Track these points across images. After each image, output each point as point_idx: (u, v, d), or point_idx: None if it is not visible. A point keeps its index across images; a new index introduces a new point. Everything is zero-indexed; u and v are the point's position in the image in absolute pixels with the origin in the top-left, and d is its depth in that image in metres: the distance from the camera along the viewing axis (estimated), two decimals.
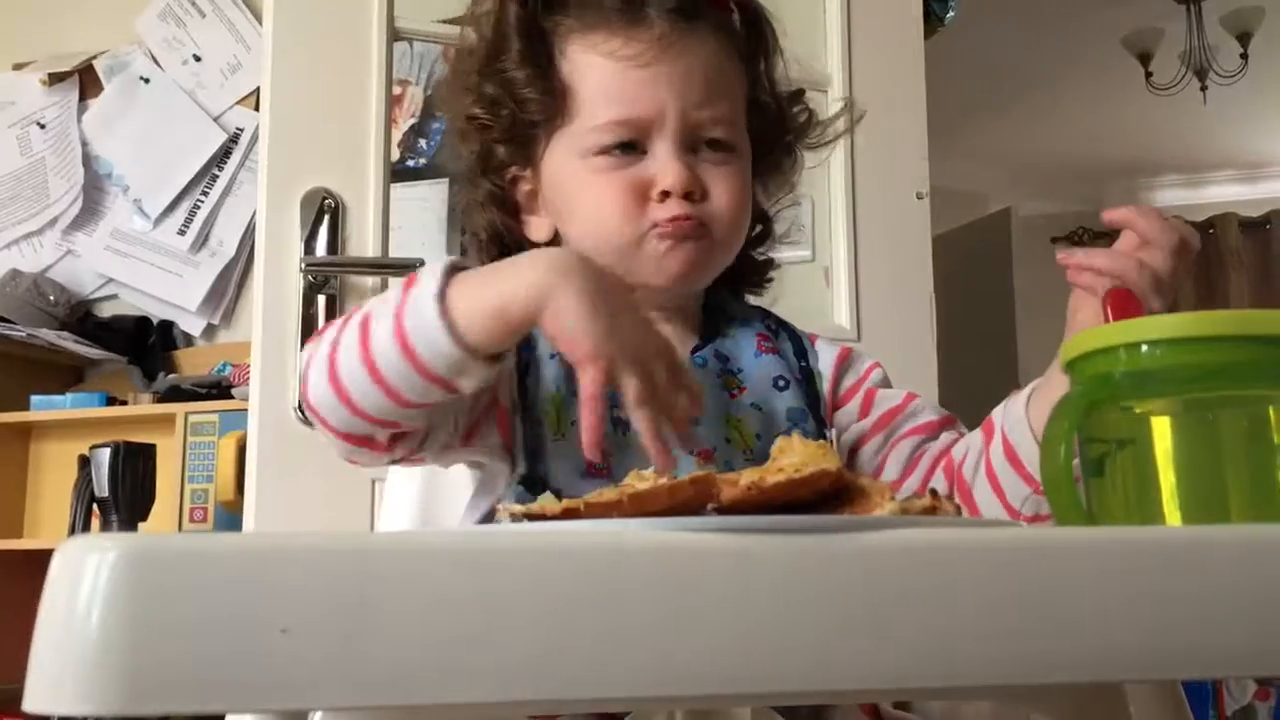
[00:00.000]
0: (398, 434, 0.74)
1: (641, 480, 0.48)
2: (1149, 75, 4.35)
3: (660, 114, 0.83)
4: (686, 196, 0.82)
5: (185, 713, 0.36)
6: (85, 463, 1.85)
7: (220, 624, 0.36)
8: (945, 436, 0.87)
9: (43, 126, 2.60)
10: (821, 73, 1.81)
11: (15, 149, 2.61)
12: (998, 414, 0.83)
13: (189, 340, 2.51)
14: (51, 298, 2.42)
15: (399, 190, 1.91)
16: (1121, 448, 0.54)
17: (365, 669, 0.36)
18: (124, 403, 2.22)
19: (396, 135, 2.55)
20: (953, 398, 1.54)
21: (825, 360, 0.90)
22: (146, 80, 2.58)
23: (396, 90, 2.45)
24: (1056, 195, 5.57)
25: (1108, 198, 5.62)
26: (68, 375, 2.45)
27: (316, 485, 1.54)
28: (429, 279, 0.67)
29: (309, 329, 1.58)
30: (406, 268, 1.66)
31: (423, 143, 2.65)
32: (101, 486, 1.81)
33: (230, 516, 1.96)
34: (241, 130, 2.54)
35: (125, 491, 1.82)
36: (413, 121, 2.64)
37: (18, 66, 2.66)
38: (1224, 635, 0.42)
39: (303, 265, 1.57)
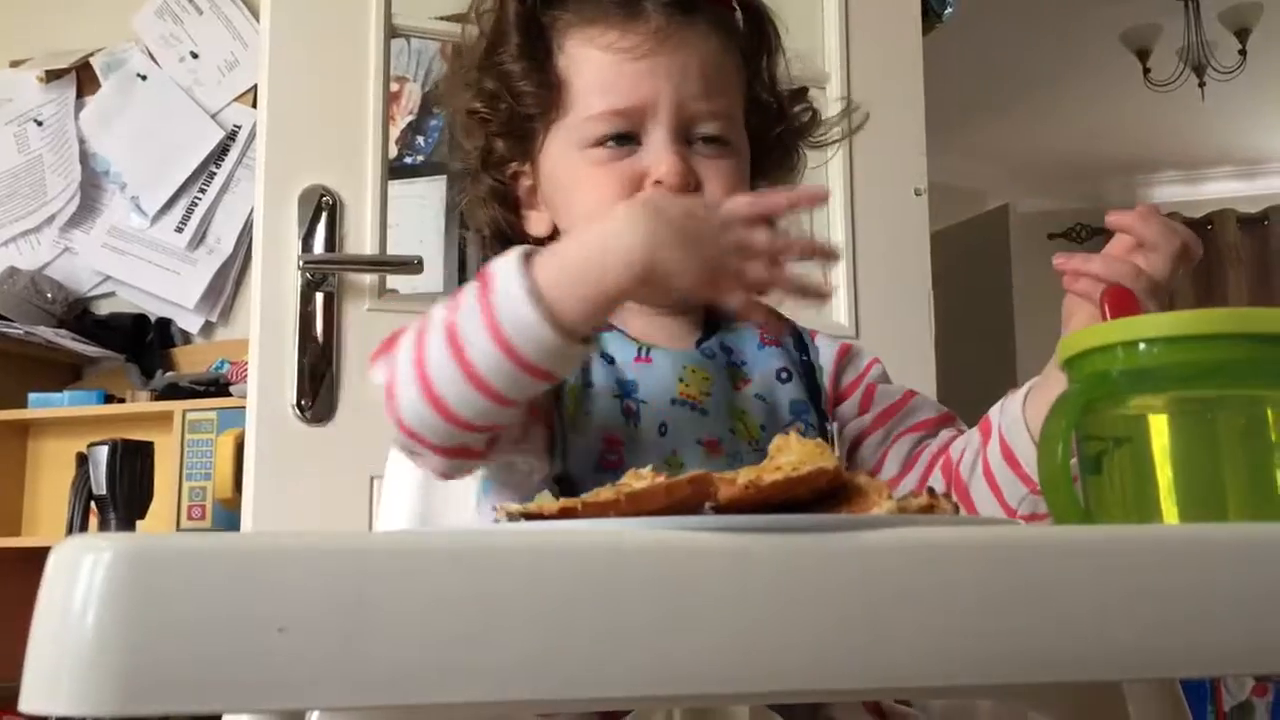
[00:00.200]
0: (493, 437, 0.73)
1: (639, 479, 0.48)
2: (1147, 72, 4.35)
3: (655, 104, 0.83)
4: (680, 188, 0.82)
5: (182, 713, 0.36)
6: (83, 460, 1.85)
7: (217, 623, 0.36)
8: (944, 434, 0.88)
9: (40, 124, 2.60)
10: (820, 70, 1.81)
11: (12, 146, 2.60)
12: (994, 413, 0.83)
13: (187, 338, 2.51)
14: (49, 295, 2.42)
15: (396, 187, 1.91)
16: (1119, 446, 0.54)
17: (363, 668, 0.36)
18: (122, 400, 2.22)
19: (394, 132, 2.55)
20: (951, 394, 1.54)
21: (826, 355, 0.90)
22: (144, 77, 2.58)
23: (394, 87, 2.44)
24: (1055, 192, 5.57)
25: (1106, 194, 5.62)
26: (65, 373, 2.44)
27: (315, 483, 1.54)
28: (510, 275, 0.66)
29: (307, 326, 1.58)
30: (404, 265, 1.66)
31: (420, 140, 2.65)
32: (99, 484, 1.81)
33: (228, 514, 1.96)
34: (239, 127, 2.54)
35: (123, 489, 1.82)
36: (410, 118, 2.64)
37: (15, 64, 2.65)
38: (1222, 633, 0.42)
39: (300, 262, 1.57)
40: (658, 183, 0.82)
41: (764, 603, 0.39)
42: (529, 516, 0.48)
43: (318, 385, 1.57)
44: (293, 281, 1.58)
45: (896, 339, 1.76)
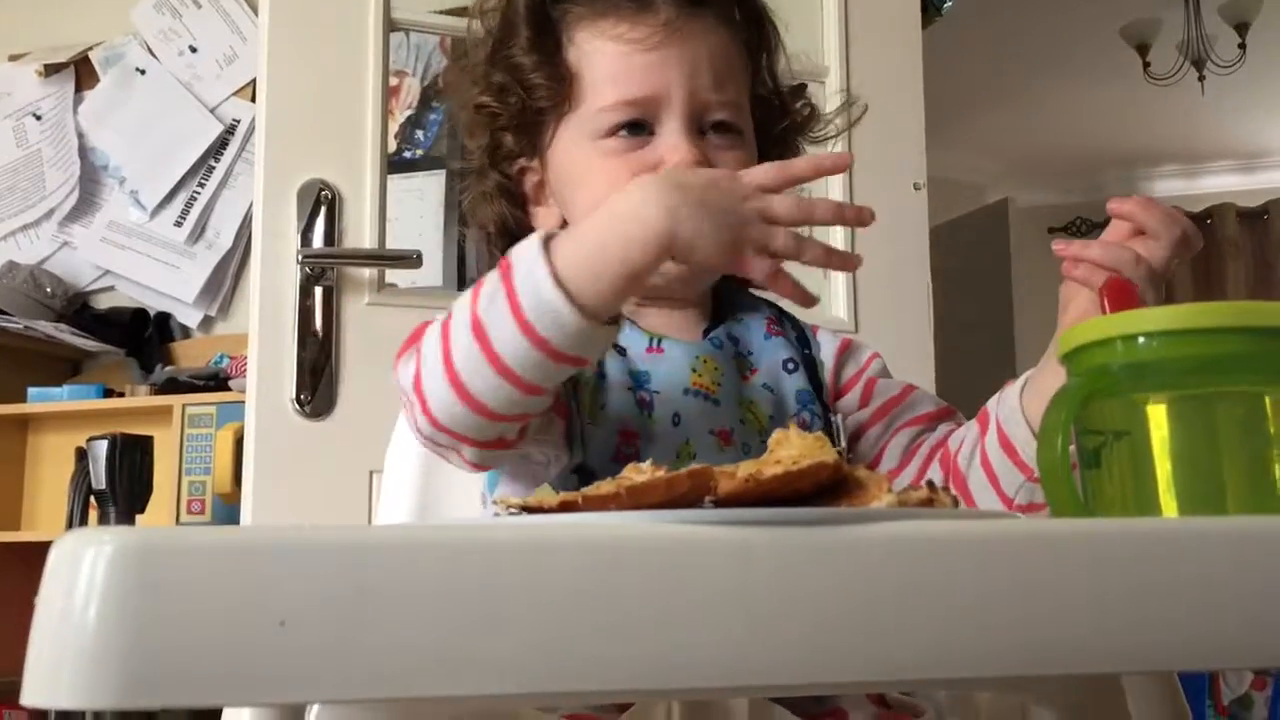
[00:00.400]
0: (525, 426, 0.73)
1: (639, 473, 0.48)
2: (1147, 65, 4.35)
3: (667, 94, 0.83)
4: None
5: (183, 706, 0.36)
6: (82, 455, 1.85)
7: (218, 617, 0.36)
8: (943, 427, 0.88)
9: (39, 118, 2.60)
10: (819, 63, 1.81)
11: (11, 140, 2.60)
12: (992, 404, 0.83)
13: (186, 332, 2.51)
14: (48, 289, 2.42)
15: (395, 182, 1.91)
16: (1118, 438, 0.54)
17: (364, 662, 0.36)
18: (121, 395, 2.22)
19: (393, 127, 2.55)
20: (950, 388, 1.54)
21: (827, 350, 0.91)
22: (142, 71, 2.58)
23: (393, 81, 2.44)
24: (1054, 186, 5.58)
25: (1106, 188, 5.62)
26: (65, 367, 2.44)
27: (314, 477, 1.54)
28: (532, 260, 0.65)
29: (306, 321, 1.58)
30: (403, 259, 1.66)
31: (419, 134, 2.65)
32: (99, 478, 1.81)
33: (228, 508, 1.96)
34: (238, 122, 2.54)
35: (123, 483, 1.82)
36: (409, 113, 2.64)
37: (13, 58, 2.65)
38: (1220, 627, 0.42)
39: (299, 257, 1.57)
40: None
41: (764, 596, 0.39)
42: (529, 510, 0.49)
43: (317, 380, 1.57)
44: (292, 276, 1.58)
45: (896, 333, 1.76)
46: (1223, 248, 5.46)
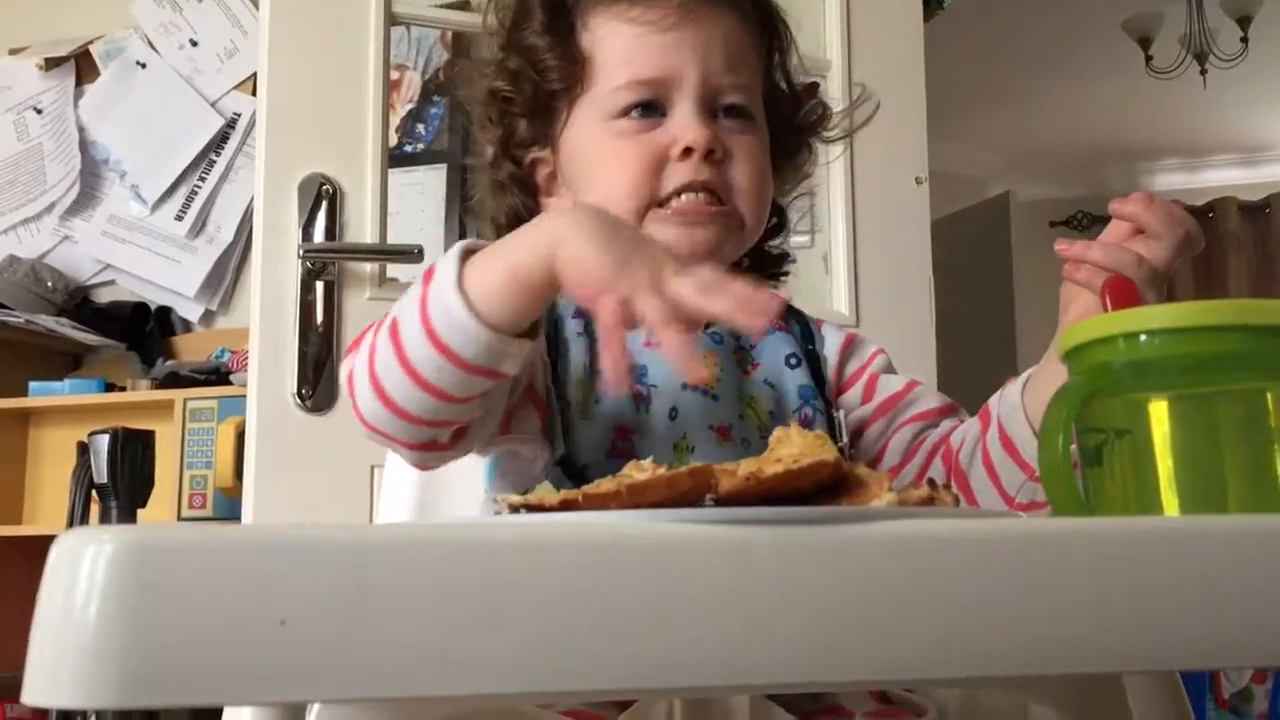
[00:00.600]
0: (459, 430, 0.73)
1: (640, 471, 0.48)
2: (1149, 59, 4.34)
3: (681, 75, 0.83)
4: (708, 156, 0.82)
5: (184, 705, 0.36)
6: (84, 449, 1.85)
7: (219, 616, 0.36)
8: (946, 424, 0.88)
9: (39, 112, 2.60)
10: (821, 58, 1.80)
11: (12, 134, 2.60)
12: (994, 402, 0.83)
13: (187, 326, 2.51)
14: (49, 284, 2.41)
15: (397, 176, 1.91)
16: (1119, 437, 0.54)
17: (364, 661, 0.36)
18: (122, 389, 2.22)
19: (394, 120, 2.55)
20: (952, 382, 1.54)
21: (830, 345, 0.91)
22: (143, 65, 2.58)
23: (394, 75, 2.44)
24: (1056, 179, 5.57)
25: (1107, 182, 5.61)
26: (66, 361, 2.44)
27: (315, 471, 1.54)
28: (446, 267, 0.65)
29: (307, 315, 1.58)
30: (404, 254, 1.66)
31: (421, 128, 2.64)
32: (100, 473, 1.81)
33: (229, 502, 1.96)
34: (239, 115, 2.53)
35: (124, 478, 1.82)
36: (410, 106, 2.63)
37: (14, 51, 2.65)
38: (1222, 626, 0.42)
39: (300, 251, 1.57)
40: (686, 151, 0.82)
41: (764, 595, 0.39)
42: (530, 508, 0.49)
43: (318, 374, 1.57)
44: (293, 270, 1.58)
45: (897, 327, 1.75)
46: (1224, 242, 5.45)
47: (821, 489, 0.49)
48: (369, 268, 1.61)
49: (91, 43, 2.59)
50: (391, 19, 1.66)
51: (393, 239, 1.66)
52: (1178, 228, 0.74)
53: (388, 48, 1.65)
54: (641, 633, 0.38)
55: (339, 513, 1.53)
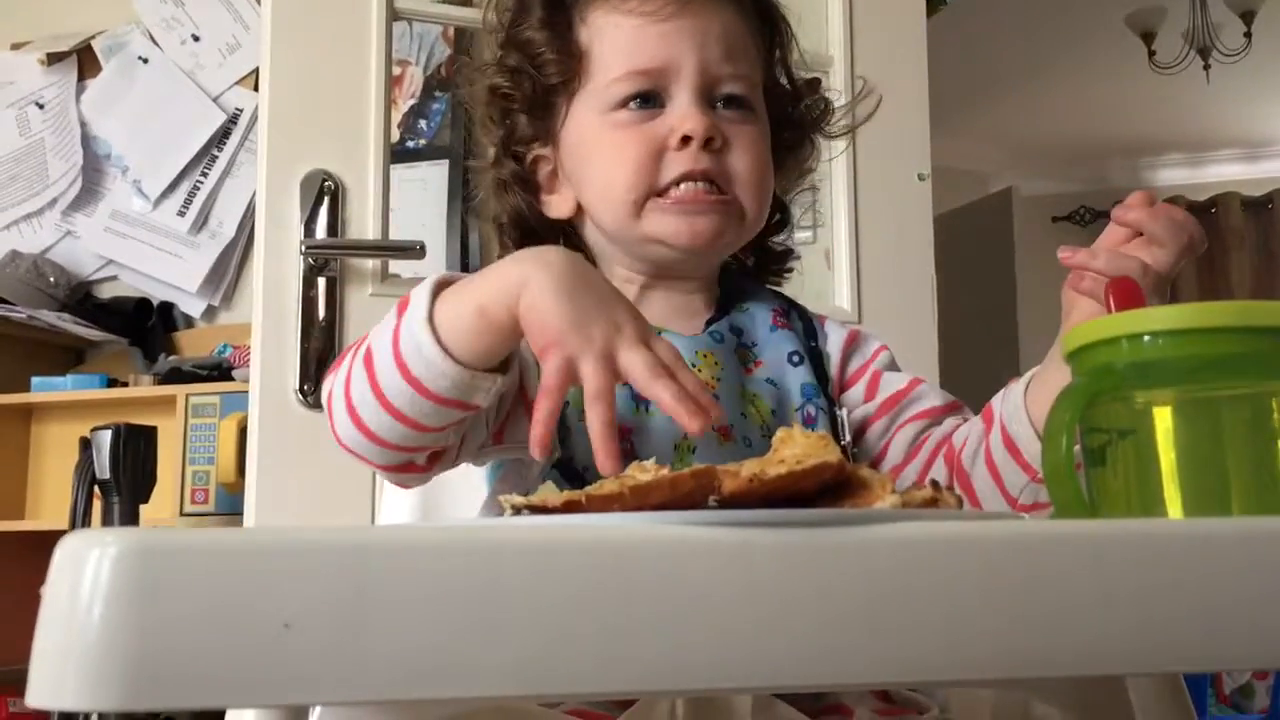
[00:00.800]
0: (435, 454, 0.73)
1: (643, 471, 0.48)
2: (1152, 54, 4.33)
3: (678, 65, 0.83)
4: (707, 145, 0.82)
5: (187, 708, 0.36)
6: (86, 445, 1.85)
7: (222, 619, 0.36)
8: (949, 422, 0.88)
9: (41, 107, 2.59)
10: (823, 53, 1.80)
11: (14, 129, 2.60)
12: (997, 402, 0.83)
13: (189, 321, 2.51)
14: (51, 279, 2.41)
15: (399, 171, 1.91)
16: (1123, 438, 0.54)
17: (368, 664, 0.36)
18: (125, 384, 2.22)
19: (396, 116, 2.54)
20: (954, 378, 1.54)
21: (834, 342, 0.90)
22: (145, 60, 2.57)
23: (396, 71, 2.43)
24: (1059, 174, 5.56)
25: (1110, 177, 5.60)
26: (68, 357, 2.44)
27: (318, 466, 1.54)
28: (418, 301, 0.66)
29: (309, 311, 1.58)
30: (406, 250, 1.66)
31: (423, 123, 2.64)
32: (103, 468, 1.81)
33: (231, 498, 1.96)
34: (241, 111, 2.53)
35: (126, 473, 1.82)
36: (412, 102, 2.63)
37: (16, 46, 2.64)
38: (1226, 628, 0.42)
39: (303, 247, 1.57)
40: (685, 140, 0.81)
41: (768, 597, 0.39)
42: (533, 509, 0.49)
43: (320, 370, 1.57)
44: (295, 266, 1.58)
45: (899, 323, 1.75)
46: (1227, 237, 5.45)
47: (824, 490, 0.49)
48: (371, 264, 1.61)
49: (94, 38, 2.59)
50: (394, 14, 1.66)
51: (395, 235, 1.66)
52: (1181, 233, 0.74)
53: (389, 43, 1.65)
54: (644, 635, 0.38)
55: (341, 508, 1.53)
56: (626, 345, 0.62)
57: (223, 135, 2.53)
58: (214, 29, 2.56)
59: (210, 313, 2.51)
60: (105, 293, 2.53)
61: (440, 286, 0.67)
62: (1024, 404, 0.80)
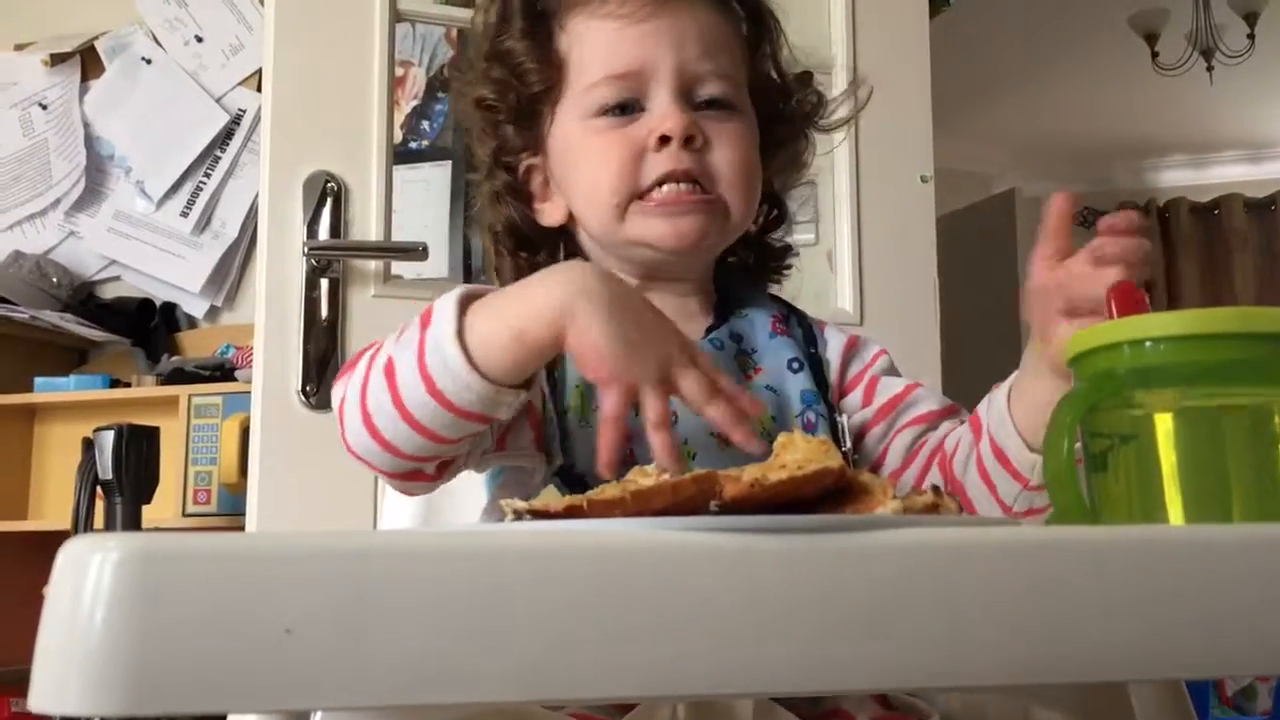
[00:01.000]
0: (444, 463, 0.74)
1: (645, 477, 0.48)
2: (1155, 55, 4.33)
3: (655, 67, 0.83)
4: (688, 144, 0.82)
5: (189, 713, 0.36)
6: (89, 445, 1.85)
7: (224, 624, 0.36)
8: (945, 426, 0.87)
9: (45, 107, 2.60)
10: (826, 54, 1.80)
11: (17, 130, 2.60)
12: (982, 409, 0.82)
13: (192, 322, 2.51)
14: (54, 279, 2.41)
15: (402, 172, 1.91)
16: (1124, 443, 0.54)
17: (369, 669, 0.36)
18: (127, 385, 2.22)
19: (399, 117, 2.54)
20: (957, 379, 1.54)
21: (833, 347, 0.90)
22: (148, 61, 2.57)
23: (399, 72, 2.44)
24: (1062, 176, 5.55)
25: (1113, 178, 5.60)
26: (71, 357, 2.44)
27: (320, 467, 1.54)
28: (445, 316, 0.66)
29: (312, 312, 1.58)
30: (409, 251, 1.66)
31: (425, 124, 2.64)
32: (105, 469, 1.81)
33: (234, 498, 1.96)
34: (244, 112, 2.53)
35: (129, 474, 1.82)
36: (415, 103, 2.63)
37: (19, 47, 2.64)
38: (1227, 635, 0.42)
39: (305, 248, 1.57)
40: (664, 139, 0.81)
41: (769, 602, 0.39)
42: (535, 514, 0.49)
43: (323, 371, 1.57)
44: (298, 267, 1.58)
45: (902, 326, 1.75)
46: (1230, 238, 5.45)
47: (826, 495, 0.49)
48: (373, 265, 1.61)
49: (97, 38, 2.59)
50: (396, 16, 1.66)
51: (397, 236, 1.66)
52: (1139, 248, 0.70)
53: (392, 44, 1.65)
54: (645, 640, 0.38)
55: (344, 509, 1.53)
56: (679, 368, 0.64)
57: (226, 136, 2.53)
58: (217, 30, 2.56)
59: (213, 313, 2.51)
60: (108, 293, 2.53)
61: (465, 300, 0.67)
62: (1008, 413, 0.79)
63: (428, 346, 0.66)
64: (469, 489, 0.88)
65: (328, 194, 1.60)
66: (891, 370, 0.91)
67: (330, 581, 0.37)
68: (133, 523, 1.82)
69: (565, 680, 0.38)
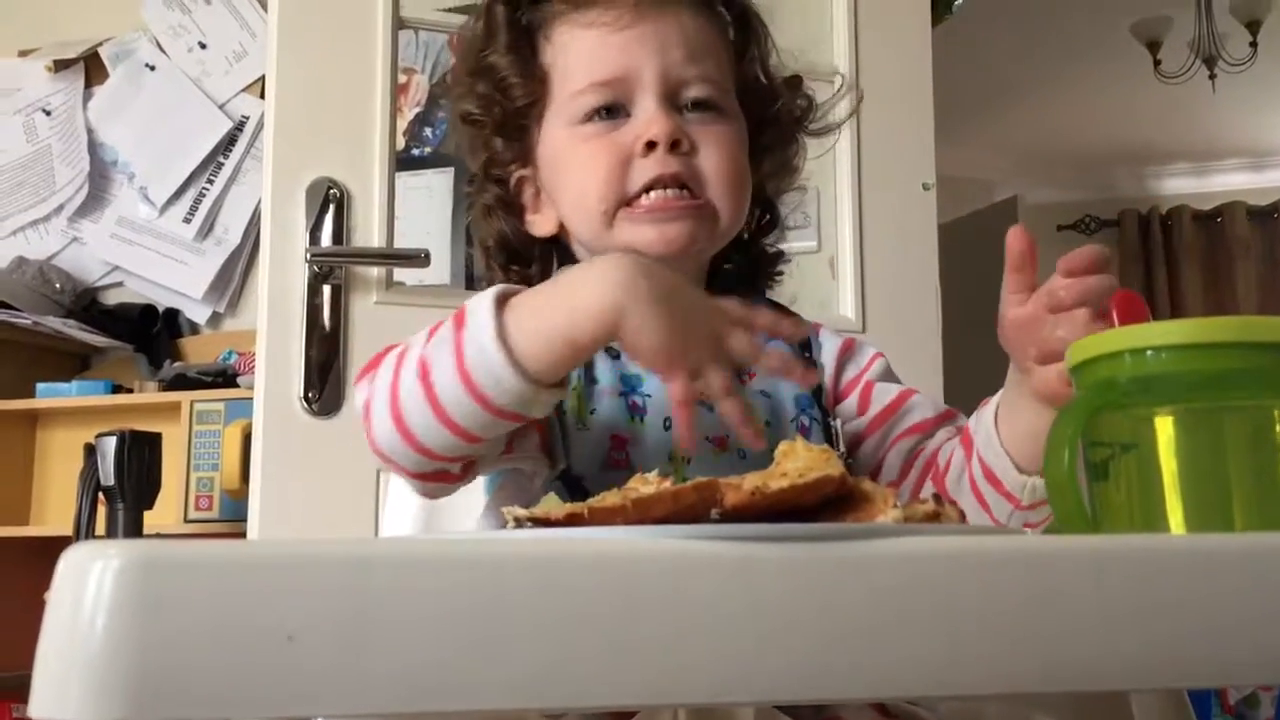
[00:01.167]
0: (469, 463, 0.74)
1: (645, 484, 0.48)
2: (1158, 63, 4.33)
3: (639, 72, 0.83)
4: (674, 149, 0.82)
5: None
6: (91, 451, 1.86)
7: (226, 631, 0.36)
8: (940, 435, 0.87)
9: (48, 113, 2.60)
10: (828, 62, 1.80)
11: (21, 136, 2.60)
12: (972, 425, 0.82)
13: (194, 328, 2.51)
14: (57, 285, 2.42)
15: (404, 179, 1.91)
16: (1126, 451, 0.54)
17: (371, 676, 0.36)
18: (130, 390, 2.22)
19: (401, 124, 2.55)
20: (959, 386, 1.54)
21: (828, 352, 0.90)
22: (152, 67, 2.58)
23: (401, 79, 2.44)
24: (1064, 183, 5.56)
25: (1116, 186, 5.60)
26: (74, 363, 2.44)
27: (321, 475, 1.54)
28: (482, 316, 0.66)
29: (314, 319, 1.58)
30: (411, 258, 1.67)
31: (428, 131, 2.64)
32: (107, 475, 1.81)
33: (236, 504, 1.96)
34: (247, 118, 2.54)
35: (131, 480, 1.82)
36: (418, 110, 2.63)
37: (23, 53, 2.65)
38: (1228, 644, 0.42)
39: (308, 255, 1.58)
40: (650, 145, 0.81)
41: (770, 611, 0.39)
42: (536, 521, 0.49)
43: (325, 378, 1.57)
44: (300, 274, 1.58)
45: (904, 333, 1.75)
46: (1232, 246, 5.44)
47: (826, 503, 0.49)
48: (376, 271, 1.61)
49: (101, 45, 2.60)
50: (400, 23, 1.66)
51: (400, 243, 1.67)
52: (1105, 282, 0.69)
53: (395, 52, 1.65)
54: (646, 648, 0.38)
55: (345, 514, 1.53)
56: (729, 338, 0.66)
57: (229, 142, 2.53)
58: (221, 37, 2.57)
59: (215, 319, 2.51)
60: (111, 299, 2.53)
61: (501, 300, 0.67)
62: (996, 434, 0.79)
63: (467, 348, 0.66)
64: (468, 491, 0.88)
65: (330, 200, 1.60)
66: (888, 374, 0.91)
67: (332, 589, 0.37)
68: (134, 529, 1.82)
69: (566, 689, 0.38)
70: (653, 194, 0.82)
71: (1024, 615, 0.41)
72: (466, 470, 0.74)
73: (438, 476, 0.74)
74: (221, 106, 2.55)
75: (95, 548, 0.37)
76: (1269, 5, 4.10)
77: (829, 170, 1.78)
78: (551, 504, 0.50)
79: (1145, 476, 0.53)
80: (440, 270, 2.38)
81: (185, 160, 2.51)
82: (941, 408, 0.90)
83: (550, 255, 0.91)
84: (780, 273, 0.97)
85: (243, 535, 1.67)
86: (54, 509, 2.21)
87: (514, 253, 0.91)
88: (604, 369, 0.82)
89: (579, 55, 0.85)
